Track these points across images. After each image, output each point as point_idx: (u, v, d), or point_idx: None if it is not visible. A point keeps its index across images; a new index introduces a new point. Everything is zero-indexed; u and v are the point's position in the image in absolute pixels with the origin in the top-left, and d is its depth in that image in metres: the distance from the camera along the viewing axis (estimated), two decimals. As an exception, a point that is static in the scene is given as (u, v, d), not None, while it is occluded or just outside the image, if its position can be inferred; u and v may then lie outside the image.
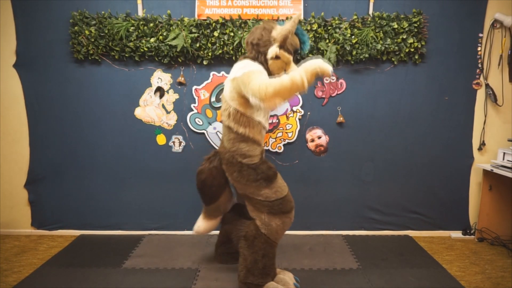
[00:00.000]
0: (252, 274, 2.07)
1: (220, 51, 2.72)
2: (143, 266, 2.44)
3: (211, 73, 2.82)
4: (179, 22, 2.69)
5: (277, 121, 2.89)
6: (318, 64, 1.77)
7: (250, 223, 2.14)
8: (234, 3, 2.76)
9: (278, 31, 2.04)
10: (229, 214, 2.40)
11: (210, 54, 2.73)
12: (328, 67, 1.78)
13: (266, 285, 2.07)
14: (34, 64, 2.80)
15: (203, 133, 2.89)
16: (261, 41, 2.07)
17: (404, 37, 2.71)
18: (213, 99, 2.84)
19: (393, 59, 2.78)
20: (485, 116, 2.90)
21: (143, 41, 2.70)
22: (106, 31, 2.68)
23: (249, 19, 2.70)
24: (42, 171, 2.92)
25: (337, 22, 2.71)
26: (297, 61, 2.24)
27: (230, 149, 2.09)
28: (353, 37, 2.71)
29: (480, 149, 2.94)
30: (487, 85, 2.86)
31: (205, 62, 2.77)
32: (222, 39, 2.70)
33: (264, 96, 1.80)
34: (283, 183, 2.13)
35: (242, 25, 2.70)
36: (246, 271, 2.08)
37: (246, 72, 1.93)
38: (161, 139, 2.90)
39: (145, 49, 2.70)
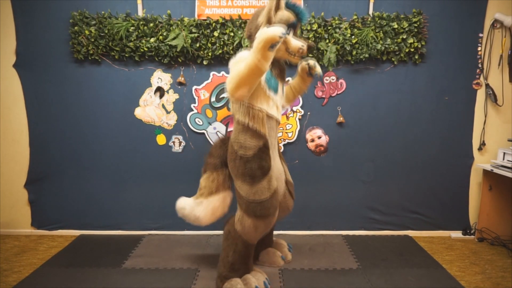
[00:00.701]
0: (223, 266, 2.12)
1: (220, 51, 2.72)
2: (143, 266, 2.44)
3: (211, 73, 2.82)
4: (179, 22, 2.69)
5: (277, 121, 2.88)
6: (262, 36, 1.63)
7: (232, 216, 2.16)
8: (234, 3, 2.76)
9: (262, 14, 1.98)
10: None
11: (210, 54, 2.73)
12: (272, 32, 1.62)
13: (229, 280, 2.09)
14: (34, 64, 2.80)
15: (203, 133, 2.89)
16: (252, 30, 2.03)
17: (404, 37, 2.71)
18: (213, 99, 2.84)
19: (393, 59, 2.78)
20: (485, 116, 2.90)
21: (143, 41, 2.70)
22: (106, 31, 2.68)
23: (249, 19, 2.70)
24: (42, 171, 2.92)
25: (337, 22, 2.71)
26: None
27: (232, 138, 2.07)
28: (353, 37, 2.71)
29: (480, 149, 2.94)
30: (487, 85, 2.86)
31: (205, 62, 2.77)
32: (222, 39, 2.70)
33: (230, 91, 1.84)
34: (267, 187, 1.99)
35: (242, 25, 2.70)
36: (221, 261, 2.16)
37: (231, 64, 1.95)
38: (161, 139, 2.90)
39: (145, 49, 2.70)
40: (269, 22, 1.94)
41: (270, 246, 2.48)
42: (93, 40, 2.69)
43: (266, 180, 1.99)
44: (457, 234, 2.99)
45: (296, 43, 1.97)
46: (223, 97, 2.84)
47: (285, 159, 2.90)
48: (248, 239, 2.06)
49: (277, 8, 1.96)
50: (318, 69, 2.11)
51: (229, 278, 2.10)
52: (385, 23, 2.70)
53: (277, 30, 1.62)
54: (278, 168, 2.20)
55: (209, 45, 2.72)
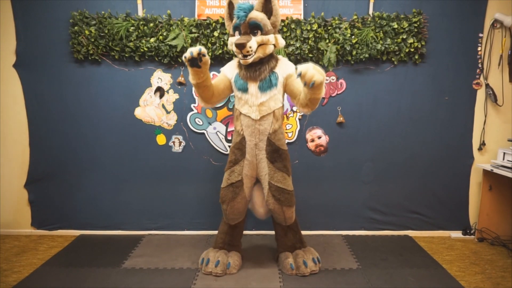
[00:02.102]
0: None
1: (220, 51, 2.72)
2: (143, 266, 2.44)
3: (211, 73, 2.81)
4: (179, 22, 2.69)
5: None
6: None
7: None
8: (234, 3, 2.76)
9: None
10: None
11: (210, 54, 2.73)
12: (189, 52, 1.89)
13: (209, 249, 2.49)
14: (34, 64, 2.80)
15: (203, 133, 2.89)
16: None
17: (404, 37, 2.71)
18: (213, 99, 2.84)
19: (393, 59, 2.78)
20: (485, 116, 2.90)
21: (143, 41, 2.70)
22: (106, 31, 2.68)
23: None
24: (42, 171, 2.92)
25: (337, 22, 2.71)
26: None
27: None
28: (353, 37, 2.71)
29: (480, 149, 2.94)
30: (487, 85, 2.86)
31: (205, 62, 2.77)
32: (222, 39, 2.70)
33: None
34: (227, 178, 2.32)
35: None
36: None
37: None
38: (161, 139, 2.90)
39: (145, 49, 2.70)
40: (228, 29, 2.27)
41: (287, 250, 2.44)
42: (93, 40, 2.69)
43: (228, 172, 2.33)
44: (457, 234, 2.99)
45: (234, 39, 2.13)
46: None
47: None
48: (225, 218, 2.42)
49: (232, 13, 2.20)
50: (308, 76, 1.76)
51: (212, 247, 2.50)
52: (385, 23, 2.70)
53: (186, 52, 1.91)
54: (260, 168, 2.30)
55: (209, 45, 2.72)
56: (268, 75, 2.17)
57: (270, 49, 2.17)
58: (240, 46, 2.03)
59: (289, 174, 2.33)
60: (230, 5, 2.22)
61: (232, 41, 2.16)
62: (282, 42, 2.22)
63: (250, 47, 2.05)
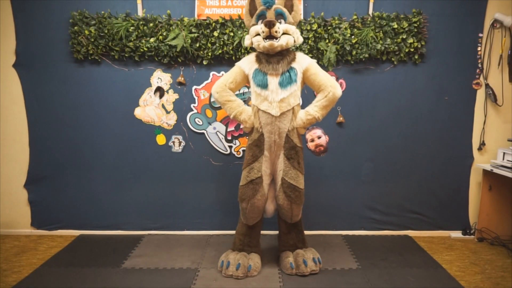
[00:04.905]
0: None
1: (220, 51, 2.72)
2: (143, 266, 2.45)
3: (211, 73, 2.82)
4: (179, 22, 2.69)
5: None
6: None
7: None
8: (234, 3, 2.76)
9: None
10: None
11: (210, 54, 2.73)
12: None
13: (228, 251, 2.46)
14: (34, 64, 2.80)
15: (203, 133, 2.89)
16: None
17: (404, 37, 2.71)
18: (213, 99, 2.84)
19: (393, 59, 2.78)
20: (485, 116, 2.90)
21: (143, 41, 2.70)
22: (106, 31, 2.68)
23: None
24: (42, 171, 2.92)
25: (337, 22, 2.71)
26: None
27: None
28: (353, 37, 2.71)
29: (480, 149, 2.94)
30: (487, 85, 2.86)
31: (205, 62, 2.77)
32: (222, 39, 2.70)
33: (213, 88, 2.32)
34: (246, 175, 2.28)
35: (242, 25, 2.70)
36: None
37: None
38: (161, 139, 2.90)
39: (145, 49, 2.70)
40: (247, 25, 2.27)
41: (288, 249, 2.44)
42: (93, 40, 2.69)
43: (247, 169, 2.29)
44: (457, 234, 2.99)
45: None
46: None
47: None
48: (243, 219, 2.38)
49: (253, 9, 2.23)
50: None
51: (230, 249, 2.46)
52: (385, 23, 2.69)
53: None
54: (276, 164, 2.30)
55: (209, 45, 2.72)
56: (288, 70, 2.18)
57: (291, 41, 2.18)
58: (270, 24, 2.04)
59: (302, 172, 2.32)
60: (252, 2, 2.23)
61: (256, 30, 2.15)
62: (301, 39, 2.28)
63: (278, 28, 2.09)
